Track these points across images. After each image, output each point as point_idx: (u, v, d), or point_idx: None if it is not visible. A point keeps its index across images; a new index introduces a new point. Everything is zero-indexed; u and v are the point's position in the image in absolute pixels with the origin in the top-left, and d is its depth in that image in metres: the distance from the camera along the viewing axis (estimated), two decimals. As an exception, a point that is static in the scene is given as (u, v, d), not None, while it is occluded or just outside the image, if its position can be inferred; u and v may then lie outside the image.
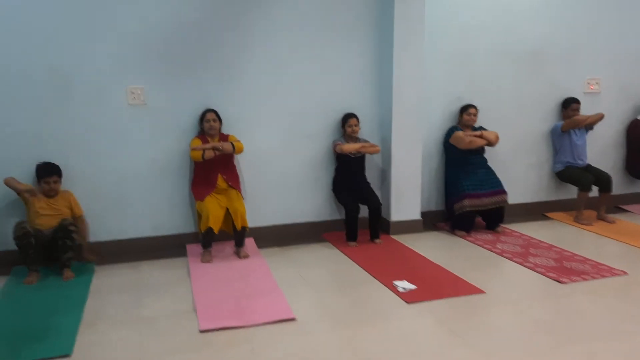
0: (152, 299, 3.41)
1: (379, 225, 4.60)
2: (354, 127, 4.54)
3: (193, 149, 4.06)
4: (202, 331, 2.94)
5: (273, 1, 4.40)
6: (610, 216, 5.12)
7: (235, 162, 4.41)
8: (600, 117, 5.11)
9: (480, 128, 4.89)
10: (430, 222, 5.02)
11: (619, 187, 5.46)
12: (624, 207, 5.55)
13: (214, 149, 4.05)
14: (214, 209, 4.02)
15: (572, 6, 5.19)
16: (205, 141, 4.15)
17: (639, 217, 5.25)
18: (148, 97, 4.21)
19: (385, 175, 4.87)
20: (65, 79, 3.99)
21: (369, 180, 4.73)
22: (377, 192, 4.72)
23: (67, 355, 2.70)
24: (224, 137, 4.24)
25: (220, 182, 4.19)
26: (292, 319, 3.08)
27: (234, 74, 4.40)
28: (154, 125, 4.26)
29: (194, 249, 4.32)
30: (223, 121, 4.29)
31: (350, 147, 4.48)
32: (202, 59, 4.30)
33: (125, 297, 3.46)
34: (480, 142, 4.74)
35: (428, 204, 5.08)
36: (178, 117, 4.30)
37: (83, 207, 4.05)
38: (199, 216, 4.24)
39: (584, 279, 3.66)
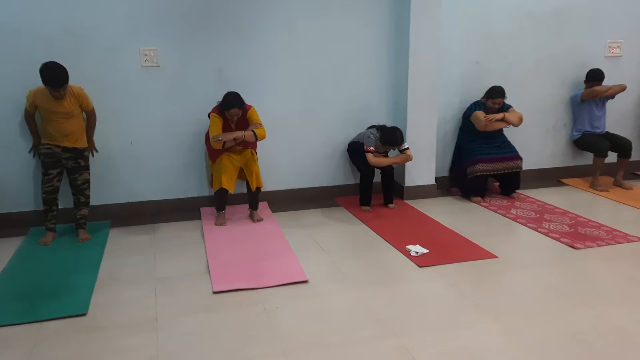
0: (166, 261, 3.46)
1: (393, 190, 4.58)
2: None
3: (213, 138, 3.91)
4: (215, 292, 2.99)
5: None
6: (628, 183, 5.04)
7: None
8: (622, 89, 4.97)
9: (504, 105, 4.72)
10: (444, 187, 4.99)
11: (637, 153, 5.34)
12: (642, 174, 5.47)
13: (235, 139, 3.97)
14: (227, 169, 4.00)
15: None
16: (224, 119, 4.00)
17: (657, 184, 5.17)
18: (162, 59, 4.17)
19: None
20: (77, 39, 3.95)
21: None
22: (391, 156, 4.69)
23: (83, 314, 2.76)
24: (244, 112, 4.06)
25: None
26: (305, 282, 3.11)
27: (249, 35, 4.33)
28: (167, 87, 4.23)
29: (207, 212, 4.35)
30: (237, 82, 4.23)
31: (380, 162, 4.31)
32: (216, 20, 4.23)
33: (140, 258, 3.51)
34: (498, 125, 4.63)
35: (443, 169, 5.04)
36: (192, 79, 4.27)
37: (100, 169, 4.10)
38: (212, 177, 4.24)
39: (599, 245, 3.63)
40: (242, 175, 4.16)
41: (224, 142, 3.94)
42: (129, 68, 4.11)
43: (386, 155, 4.43)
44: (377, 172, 4.51)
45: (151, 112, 4.24)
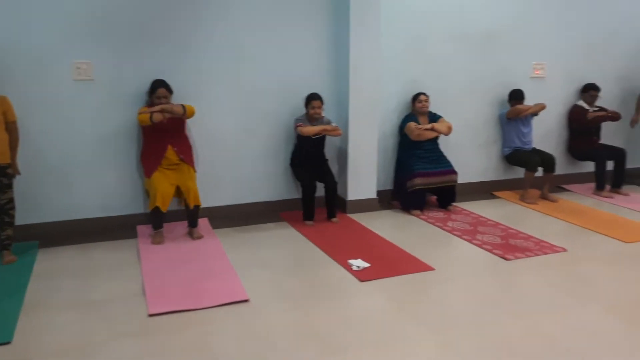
0: (99, 282, 3.31)
1: (336, 204, 4.63)
2: (317, 109, 4.48)
3: (140, 112, 3.91)
4: (151, 315, 2.89)
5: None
6: (553, 195, 5.36)
7: (187, 132, 4.30)
8: (541, 108, 5.31)
9: (435, 116, 4.95)
10: (386, 200, 5.10)
11: (561, 167, 5.69)
12: (566, 186, 5.81)
13: (162, 111, 3.89)
14: (162, 186, 3.91)
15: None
16: None
17: (579, 196, 5.51)
18: (96, 72, 4.04)
19: (342, 154, 4.89)
20: (3, 54, 3.75)
21: (327, 157, 4.74)
22: (334, 171, 4.75)
23: (7, 342, 2.59)
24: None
25: (171, 155, 4.05)
26: (246, 301, 3.06)
27: (188, 49, 4.28)
28: (101, 100, 4.09)
29: (144, 230, 4.21)
30: (176, 96, 4.15)
31: (310, 130, 4.43)
32: (154, 33, 4.16)
33: (71, 280, 3.34)
34: (429, 135, 4.84)
35: (384, 183, 5.15)
36: (128, 92, 4.15)
37: (27, 187, 3.88)
38: (147, 194, 4.13)
39: (527, 256, 3.82)
40: (180, 192, 4.06)
41: (152, 115, 3.85)
42: (59, 82, 3.94)
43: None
44: (320, 186, 4.54)
45: (83, 127, 4.08)
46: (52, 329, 2.74)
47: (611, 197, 5.38)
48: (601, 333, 2.77)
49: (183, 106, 3.99)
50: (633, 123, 5.81)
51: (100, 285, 3.27)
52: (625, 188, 5.59)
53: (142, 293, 3.16)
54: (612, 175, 5.56)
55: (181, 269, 3.50)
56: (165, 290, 3.18)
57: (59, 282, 3.31)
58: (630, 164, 5.84)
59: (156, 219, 3.99)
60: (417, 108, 4.92)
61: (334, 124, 4.55)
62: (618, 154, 5.56)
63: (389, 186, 5.19)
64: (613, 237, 4.20)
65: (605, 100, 5.72)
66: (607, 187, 5.52)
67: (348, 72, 4.60)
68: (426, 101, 4.91)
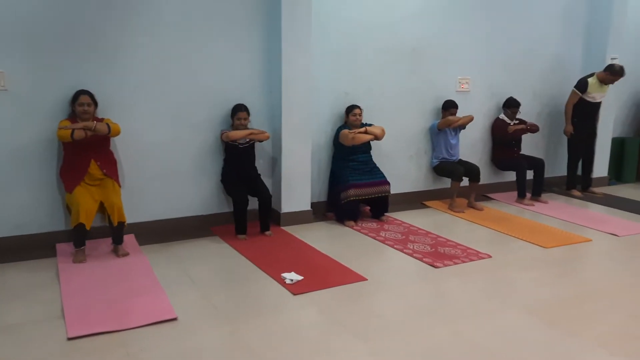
0: (14, 306, 3.08)
1: (269, 217, 4.59)
2: (243, 120, 4.45)
3: (60, 128, 3.71)
4: (70, 338, 2.72)
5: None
6: (479, 204, 5.60)
7: (112, 148, 4.12)
8: (469, 119, 5.57)
9: (366, 125, 5.05)
10: (319, 212, 5.11)
11: (485, 177, 5.96)
12: (490, 195, 6.10)
13: (85, 128, 3.73)
14: (85, 202, 3.72)
15: (444, 11, 5.55)
16: (75, 122, 3.81)
17: (502, 204, 5.79)
18: (10, 82, 3.79)
19: (275, 166, 4.87)
20: None
21: (259, 171, 4.69)
22: (268, 184, 4.71)
23: None
24: (99, 120, 3.91)
25: (94, 170, 3.88)
26: (174, 319, 2.95)
27: (113, 58, 4.11)
28: (17, 112, 3.85)
29: (64, 248, 3.98)
30: (101, 108, 3.98)
31: (237, 134, 4.39)
32: (75, 40, 3.96)
33: (-19, 305, 3.09)
34: (364, 137, 4.90)
35: (318, 195, 5.17)
36: (46, 102, 3.92)
37: None
38: (69, 211, 3.91)
39: (455, 263, 3.95)
40: (103, 208, 3.88)
41: (73, 132, 3.67)
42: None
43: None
44: (253, 200, 4.48)
45: (-5, 140, 3.81)
46: (-44, 360, 2.51)
47: (532, 205, 5.69)
48: (523, 335, 2.89)
49: (108, 125, 3.83)
50: (568, 133, 6.14)
51: (15, 309, 3.04)
52: (544, 196, 5.94)
53: (62, 315, 2.97)
54: (531, 184, 5.89)
55: (104, 289, 3.32)
56: (87, 311, 3.01)
57: (-34, 307, 3.05)
58: (548, 173, 6.24)
59: (78, 237, 3.78)
60: (351, 121, 4.98)
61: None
62: (537, 164, 5.91)
63: (323, 198, 5.21)
64: (534, 243, 4.43)
65: (525, 113, 6.07)
66: (528, 195, 5.84)
67: (280, 85, 4.60)
68: (360, 115, 4.99)
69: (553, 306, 3.27)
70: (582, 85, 5.99)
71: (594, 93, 5.99)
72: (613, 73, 5.87)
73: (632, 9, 6.53)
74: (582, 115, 6.11)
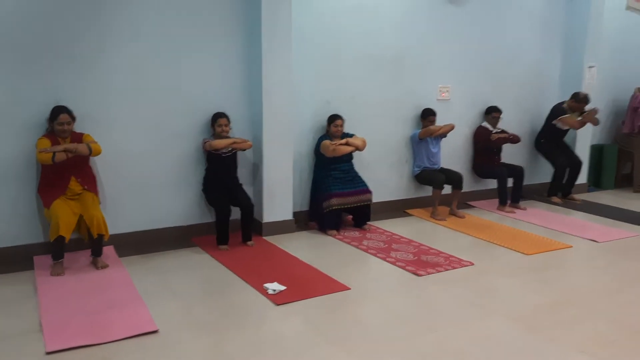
0: (-11, 321, 3.01)
1: (251, 227, 4.56)
2: (224, 127, 4.44)
3: (41, 151, 3.64)
4: (48, 353, 2.66)
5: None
6: (461, 212, 5.64)
7: (92, 163, 4.07)
8: (450, 128, 5.63)
9: (347, 135, 5.05)
10: (302, 221, 5.10)
11: (467, 185, 6.01)
12: (472, 203, 6.15)
13: (66, 151, 3.68)
14: (64, 215, 3.65)
15: (425, 20, 5.61)
16: (55, 142, 3.75)
17: (484, 211, 5.85)
18: (-17, 92, 3.72)
19: (257, 176, 4.85)
20: None
21: (241, 181, 4.67)
22: (249, 193, 4.68)
23: None
24: (77, 137, 3.87)
25: (74, 185, 3.84)
26: (155, 332, 2.91)
27: (91, 69, 4.07)
28: (-9, 124, 3.78)
29: (42, 261, 3.90)
30: (77, 119, 3.93)
31: (219, 143, 4.37)
32: (52, 51, 3.91)
33: (-46, 320, 3.00)
34: (345, 149, 4.91)
35: (300, 204, 5.15)
36: (23, 114, 3.86)
37: None
38: (48, 225, 3.83)
39: (438, 271, 3.97)
40: (80, 225, 3.83)
41: (54, 154, 3.61)
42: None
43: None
44: (235, 209, 4.46)
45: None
46: None
47: (513, 212, 5.76)
48: (505, 341, 2.91)
49: (89, 146, 3.78)
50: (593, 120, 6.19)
51: (-10, 324, 2.97)
52: (524, 203, 6.02)
53: (40, 329, 2.90)
54: (511, 191, 5.96)
55: (83, 301, 3.26)
56: (66, 324, 2.95)
57: (-62, 323, 2.97)
58: (529, 180, 6.33)
59: (57, 249, 3.71)
60: (332, 132, 4.98)
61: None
62: (517, 172, 5.99)
63: (305, 207, 5.20)
64: (515, 250, 4.48)
65: (505, 121, 6.15)
66: (509, 202, 5.91)
67: (261, 94, 4.60)
68: (341, 126, 4.99)
69: (534, 312, 3.30)
70: (561, 111, 6.21)
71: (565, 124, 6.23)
72: (578, 100, 6.17)
73: (608, 19, 6.69)
74: (551, 137, 6.39)
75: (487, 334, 2.99)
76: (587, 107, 6.18)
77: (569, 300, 3.50)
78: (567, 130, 6.37)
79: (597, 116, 6.18)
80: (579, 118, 6.14)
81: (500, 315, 3.24)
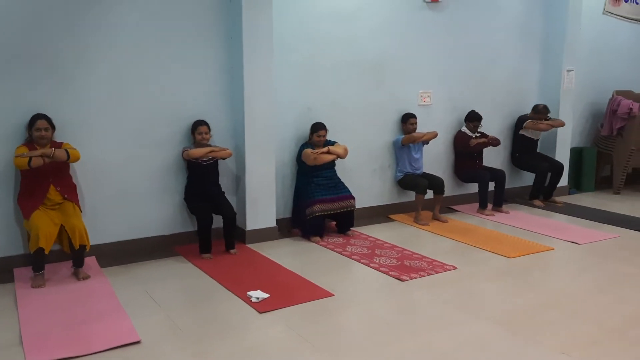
0: (-34, 336, 2.95)
1: (234, 235, 4.54)
2: (204, 135, 4.43)
3: (17, 156, 3.61)
4: (28, 367, 2.62)
5: (114, 6, 4.15)
6: (444, 216, 5.69)
7: (72, 173, 4.03)
8: (434, 135, 5.71)
9: (329, 142, 5.05)
10: (285, 228, 5.09)
11: (449, 189, 6.06)
12: (454, 207, 6.20)
13: (43, 155, 3.64)
14: (44, 226, 3.61)
15: (405, 25, 5.67)
16: (33, 150, 3.71)
17: (466, 215, 5.90)
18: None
19: (239, 183, 4.84)
20: None
21: (223, 189, 4.66)
22: (232, 201, 4.67)
23: None
24: (57, 146, 3.83)
25: (53, 195, 3.80)
26: (137, 342, 2.88)
27: (70, 79, 4.04)
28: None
29: (23, 273, 3.84)
30: (57, 128, 3.89)
31: (197, 152, 4.36)
32: (32, 61, 3.88)
33: None
34: (326, 158, 4.91)
35: (283, 211, 5.15)
36: (1, 124, 3.81)
37: None
38: (28, 236, 3.78)
39: (421, 276, 3.99)
40: (64, 231, 3.77)
41: (30, 159, 3.57)
42: None
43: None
44: (218, 218, 4.44)
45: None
46: None
47: (493, 215, 5.83)
48: (489, 345, 2.94)
49: (67, 151, 3.74)
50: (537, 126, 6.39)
51: (-33, 339, 2.92)
52: (506, 206, 6.09)
53: (20, 342, 2.86)
54: (493, 195, 6.03)
55: (65, 313, 3.23)
56: (47, 337, 2.91)
57: None
58: (510, 184, 6.41)
59: (38, 261, 3.66)
60: (315, 141, 4.98)
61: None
62: (499, 176, 6.05)
63: (288, 214, 5.20)
64: (498, 254, 4.52)
65: (485, 125, 6.21)
66: (489, 205, 5.97)
67: (243, 102, 4.60)
68: (324, 136, 4.99)
69: (518, 315, 3.34)
70: (525, 121, 6.41)
71: (533, 130, 6.42)
72: (537, 112, 6.41)
73: (585, 25, 6.84)
74: (523, 149, 6.57)
75: (470, 338, 3.02)
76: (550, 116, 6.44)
77: (552, 302, 3.54)
78: (537, 140, 6.56)
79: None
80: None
81: (484, 318, 3.27)
